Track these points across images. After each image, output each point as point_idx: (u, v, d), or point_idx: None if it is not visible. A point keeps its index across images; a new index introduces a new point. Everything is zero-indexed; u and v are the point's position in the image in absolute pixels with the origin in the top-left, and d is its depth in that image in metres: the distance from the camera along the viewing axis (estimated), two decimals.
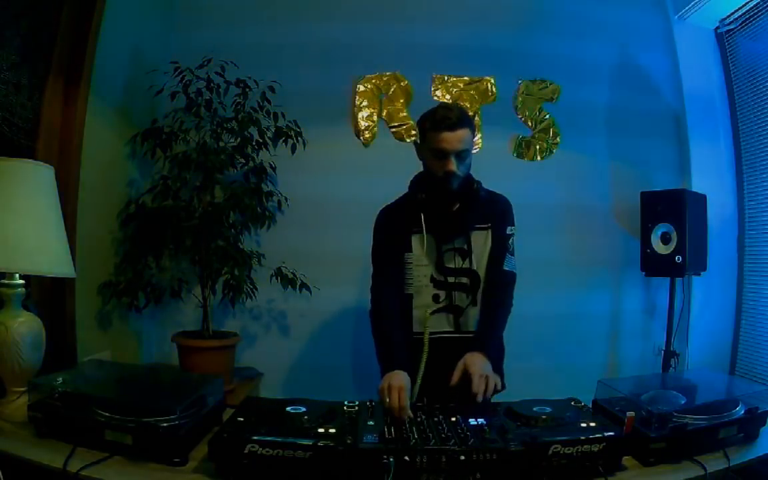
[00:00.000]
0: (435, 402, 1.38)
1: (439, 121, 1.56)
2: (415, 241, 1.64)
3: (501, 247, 1.69)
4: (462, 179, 1.61)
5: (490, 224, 1.68)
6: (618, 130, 2.92)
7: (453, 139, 1.54)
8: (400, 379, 1.35)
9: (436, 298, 1.63)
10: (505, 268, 1.68)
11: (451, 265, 1.63)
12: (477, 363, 1.44)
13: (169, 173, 2.44)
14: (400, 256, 1.65)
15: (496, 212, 1.70)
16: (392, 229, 1.68)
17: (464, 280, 1.64)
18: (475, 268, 1.65)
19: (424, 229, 1.60)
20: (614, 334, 2.90)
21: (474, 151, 2.79)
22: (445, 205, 1.64)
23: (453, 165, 1.55)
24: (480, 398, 1.37)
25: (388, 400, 1.27)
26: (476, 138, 2.86)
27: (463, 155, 1.58)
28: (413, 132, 2.70)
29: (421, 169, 1.70)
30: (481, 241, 1.66)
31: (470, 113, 2.84)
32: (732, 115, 2.90)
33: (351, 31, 2.82)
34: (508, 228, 1.71)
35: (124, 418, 1.13)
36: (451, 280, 1.63)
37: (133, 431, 1.11)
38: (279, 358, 2.75)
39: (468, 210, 1.65)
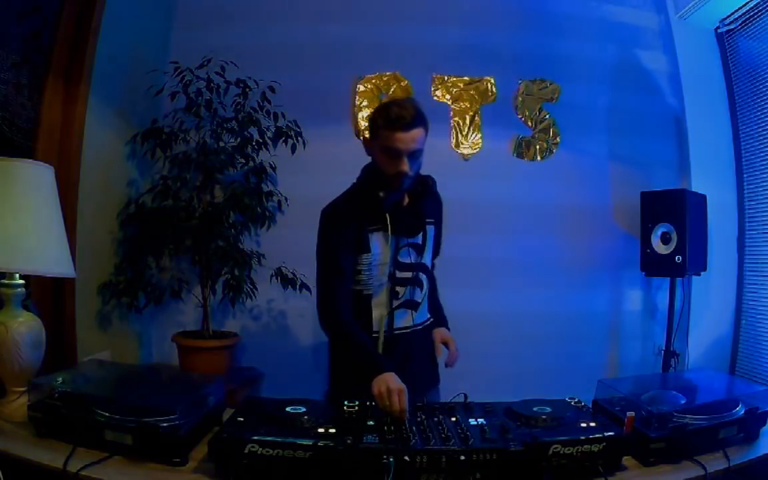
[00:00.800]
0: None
1: (393, 119, 1.48)
2: (374, 239, 1.58)
3: (439, 243, 1.76)
4: (412, 178, 1.56)
5: (434, 219, 1.70)
6: (618, 130, 2.92)
7: (407, 138, 1.48)
8: (397, 381, 1.32)
9: (395, 294, 1.60)
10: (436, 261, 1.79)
11: (407, 261, 1.61)
12: (450, 334, 1.72)
13: (169, 173, 2.44)
14: (355, 254, 1.57)
15: (437, 205, 1.73)
16: (347, 226, 1.58)
17: (418, 274, 1.63)
18: (425, 261, 1.65)
19: (389, 228, 1.55)
20: (614, 334, 2.90)
21: (474, 152, 2.85)
22: (399, 202, 1.61)
23: (406, 165, 1.49)
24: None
25: (388, 403, 1.25)
26: (476, 137, 2.86)
27: (416, 155, 1.52)
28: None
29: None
30: (429, 235, 1.67)
31: (470, 113, 2.85)
32: (732, 115, 2.90)
33: (351, 31, 2.82)
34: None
35: (124, 418, 1.13)
36: (407, 275, 1.61)
37: (133, 431, 1.11)
38: (279, 358, 2.75)
39: (421, 206, 1.63)
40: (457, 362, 1.68)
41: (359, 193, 1.62)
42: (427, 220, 1.66)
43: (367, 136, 1.63)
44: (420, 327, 1.67)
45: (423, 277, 1.65)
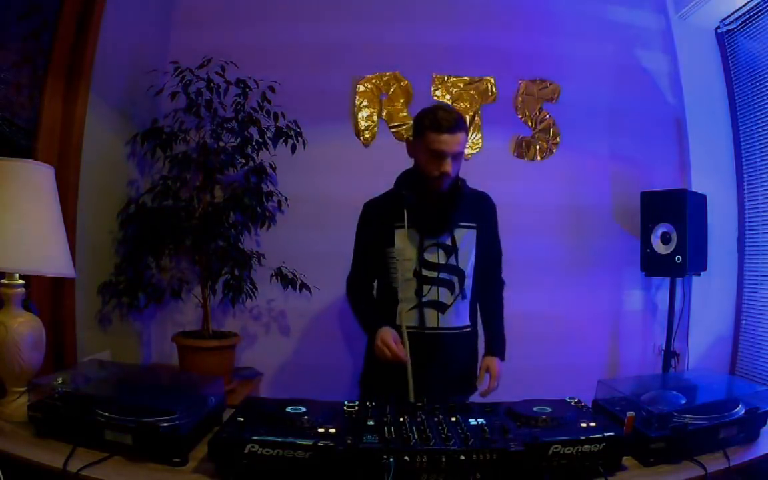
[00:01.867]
0: (428, 398, 1.42)
1: (440, 122, 1.57)
2: (398, 235, 1.65)
3: (496, 254, 1.78)
4: (452, 180, 1.63)
5: (476, 224, 1.70)
6: (618, 130, 2.92)
7: (452, 141, 1.57)
8: (391, 333, 1.55)
9: (419, 292, 1.63)
10: (503, 276, 1.82)
11: (434, 260, 1.64)
12: (498, 368, 1.70)
13: (169, 173, 2.44)
14: (382, 250, 1.66)
15: (482, 212, 1.74)
16: (375, 222, 1.70)
17: (447, 276, 1.64)
18: (459, 265, 1.65)
19: (406, 224, 1.62)
20: (614, 334, 2.90)
21: (474, 151, 2.85)
22: (431, 202, 1.65)
23: (449, 166, 1.57)
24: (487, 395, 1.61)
25: (388, 353, 1.45)
26: (476, 137, 2.86)
27: (458, 157, 1.61)
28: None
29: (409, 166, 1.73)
30: (466, 239, 1.68)
31: (470, 113, 2.85)
32: (732, 115, 2.90)
33: (351, 31, 2.82)
34: (497, 230, 1.78)
35: (124, 418, 1.13)
36: (433, 275, 1.64)
37: (133, 431, 1.11)
38: (279, 358, 2.75)
39: (453, 207, 1.66)
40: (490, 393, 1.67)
41: (391, 192, 1.73)
42: (463, 223, 1.67)
43: (410, 138, 1.70)
44: (449, 331, 1.66)
45: (454, 280, 1.65)
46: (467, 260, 1.67)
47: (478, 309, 1.79)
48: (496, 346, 1.75)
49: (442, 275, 1.64)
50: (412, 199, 1.64)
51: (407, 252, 1.63)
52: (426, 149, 1.59)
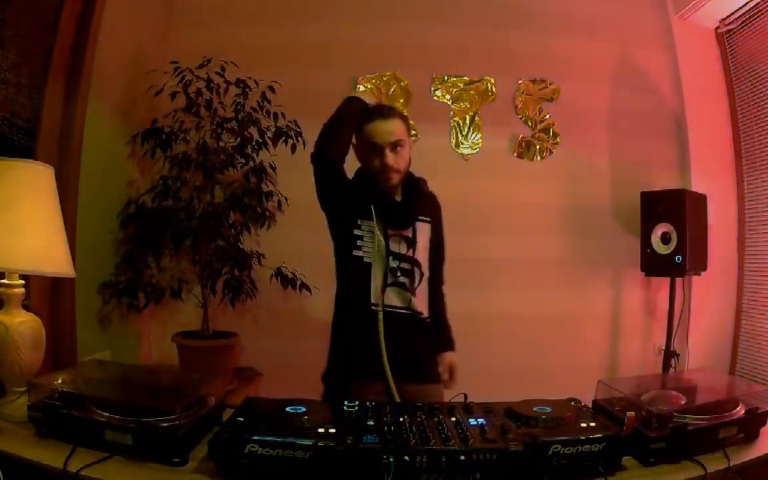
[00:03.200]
0: (397, 373, 1.55)
1: (371, 112, 1.62)
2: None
3: (441, 251, 1.80)
4: (403, 175, 1.64)
5: (430, 218, 1.73)
6: (618, 130, 2.92)
7: (385, 129, 1.59)
8: None
9: (393, 271, 1.63)
10: (443, 275, 1.84)
11: (396, 250, 1.65)
12: (455, 361, 1.77)
13: (169, 173, 2.44)
14: (358, 210, 1.62)
15: (434, 208, 1.77)
16: (362, 188, 1.66)
17: (407, 266, 1.66)
18: (418, 257, 1.67)
19: (374, 217, 1.61)
20: (614, 334, 2.90)
21: (474, 152, 2.84)
22: (385, 196, 1.65)
23: (388, 157, 1.58)
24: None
25: None
26: (476, 137, 2.86)
27: (397, 146, 1.60)
28: (413, 132, 2.70)
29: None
30: (423, 233, 1.70)
31: (470, 113, 2.85)
32: (732, 115, 2.90)
33: (351, 31, 2.82)
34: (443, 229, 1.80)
35: (124, 418, 1.13)
36: (395, 264, 1.64)
37: (133, 431, 1.11)
38: (279, 358, 2.75)
39: (413, 202, 1.68)
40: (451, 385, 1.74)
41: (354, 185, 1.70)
42: (421, 217, 1.69)
43: (354, 142, 1.71)
44: (420, 316, 1.68)
45: (414, 270, 1.67)
46: (424, 253, 1.70)
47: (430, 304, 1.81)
48: (448, 341, 1.82)
49: (403, 264, 1.65)
50: (366, 193, 1.63)
51: (378, 236, 1.63)
52: (365, 147, 1.63)
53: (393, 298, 1.63)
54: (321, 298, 2.64)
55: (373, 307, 1.61)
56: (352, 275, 1.66)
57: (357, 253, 1.63)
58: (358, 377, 1.60)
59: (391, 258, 1.63)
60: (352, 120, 1.68)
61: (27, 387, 1.28)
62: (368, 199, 1.63)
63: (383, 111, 1.62)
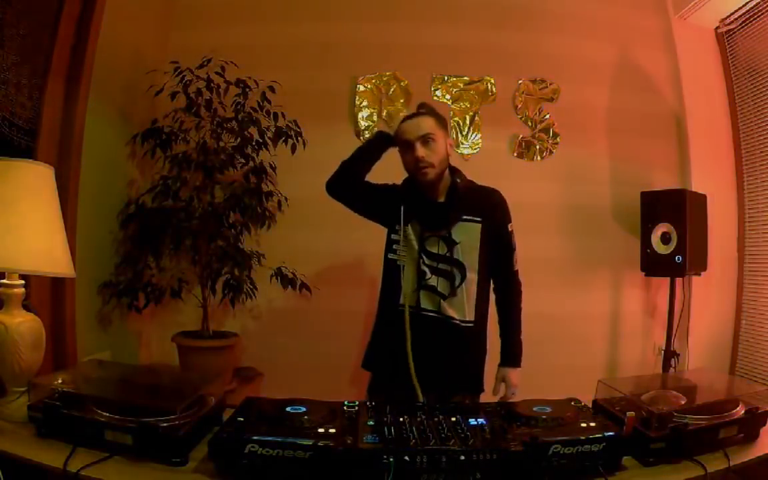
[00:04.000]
0: (428, 387, 1.56)
1: (404, 118, 1.69)
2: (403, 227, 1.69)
3: (507, 247, 1.74)
4: (437, 169, 1.63)
5: (481, 219, 1.68)
6: (618, 130, 2.92)
7: (412, 125, 1.63)
8: None
9: (422, 274, 1.65)
10: (516, 268, 1.79)
11: (434, 250, 1.66)
12: (514, 379, 1.76)
13: (169, 173, 2.44)
14: (394, 215, 1.68)
15: (488, 206, 1.71)
16: (399, 196, 1.71)
17: (447, 267, 1.65)
18: (460, 258, 1.65)
19: (401, 220, 1.65)
20: (614, 334, 2.90)
21: (474, 152, 2.84)
22: (425, 196, 1.68)
23: (418, 150, 1.60)
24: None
25: None
26: (476, 137, 2.86)
27: (427, 140, 1.61)
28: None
29: None
30: (470, 234, 1.67)
31: (470, 113, 2.85)
32: (732, 115, 2.90)
33: (351, 31, 2.82)
34: (509, 225, 1.74)
35: (124, 418, 1.13)
36: (433, 264, 1.65)
37: (133, 431, 1.11)
38: (279, 358, 2.75)
39: (450, 202, 1.67)
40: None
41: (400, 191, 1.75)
42: (465, 216, 1.67)
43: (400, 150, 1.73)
44: (447, 319, 1.65)
45: (455, 272, 1.65)
46: (470, 254, 1.66)
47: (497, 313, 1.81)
48: (508, 355, 1.78)
49: (441, 265, 1.65)
50: (408, 196, 1.68)
51: (412, 239, 1.66)
52: (401, 148, 1.67)
53: (424, 301, 1.65)
54: (321, 298, 2.64)
55: (400, 308, 1.64)
56: (386, 277, 1.73)
57: (392, 256, 1.69)
58: (385, 376, 1.66)
59: (425, 259, 1.64)
60: (371, 152, 1.76)
61: (27, 387, 1.28)
62: (404, 201, 1.67)
63: (413, 113, 1.67)
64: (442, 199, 1.68)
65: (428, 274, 1.64)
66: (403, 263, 1.66)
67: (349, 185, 1.74)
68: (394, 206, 1.68)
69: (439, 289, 1.65)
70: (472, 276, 1.66)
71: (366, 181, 1.75)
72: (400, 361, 1.59)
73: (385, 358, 1.70)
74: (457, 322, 1.66)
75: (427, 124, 1.62)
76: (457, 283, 1.65)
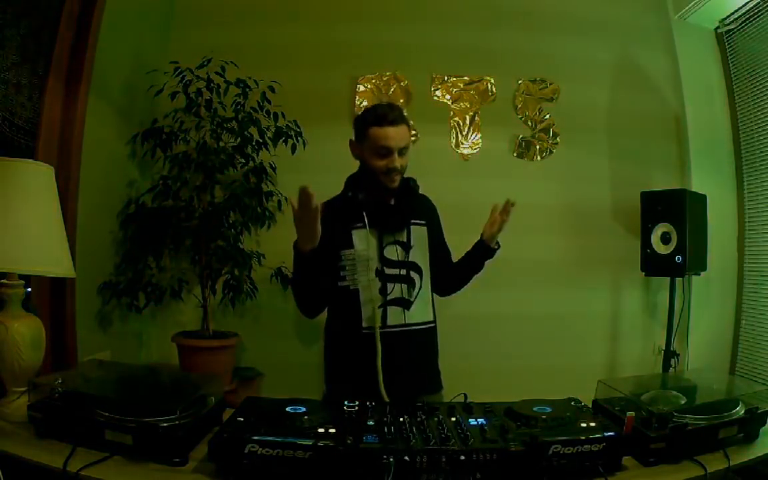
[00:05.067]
0: (396, 397, 1.46)
1: (381, 117, 1.58)
2: (356, 236, 1.62)
3: (445, 247, 1.81)
4: (402, 176, 1.64)
5: (425, 221, 1.72)
6: (618, 130, 2.92)
7: (396, 135, 1.58)
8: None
9: (383, 290, 1.62)
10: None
11: (393, 257, 1.65)
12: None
13: (169, 173, 2.44)
14: (336, 252, 1.62)
15: (429, 210, 1.77)
16: (332, 225, 1.59)
17: (406, 272, 1.65)
18: (417, 261, 1.67)
19: (366, 225, 1.60)
20: (614, 334, 2.90)
21: (474, 152, 2.84)
22: (386, 200, 1.66)
23: (396, 161, 1.58)
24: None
25: (299, 212, 1.43)
26: (476, 137, 2.86)
27: (404, 151, 1.61)
28: (413, 132, 2.70)
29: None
30: (419, 236, 1.69)
31: (470, 113, 2.85)
32: (732, 116, 2.90)
33: (351, 31, 2.82)
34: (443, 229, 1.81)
35: (124, 418, 1.13)
36: (394, 272, 1.64)
37: (133, 431, 1.11)
38: (279, 358, 2.75)
39: (406, 204, 1.67)
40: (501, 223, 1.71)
41: (345, 195, 1.68)
42: (415, 220, 1.69)
43: (352, 139, 1.70)
44: (416, 327, 1.66)
45: (414, 276, 1.66)
46: (423, 256, 1.69)
47: (452, 276, 1.82)
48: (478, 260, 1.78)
49: (402, 271, 1.64)
50: (368, 200, 1.63)
51: (368, 251, 1.61)
52: (371, 146, 1.60)
53: (391, 317, 1.62)
54: None
55: (364, 332, 1.59)
56: (338, 305, 1.66)
57: (342, 283, 1.62)
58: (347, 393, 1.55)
59: (384, 268, 1.62)
60: (306, 273, 1.56)
61: (27, 387, 1.28)
62: (360, 206, 1.62)
63: (393, 117, 1.58)
64: (392, 202, 1.67)
65: (389, 287, 1.62)
66: (357, 286, 1.61)
67: (322, 303, 1.65)
68: (340, 230, 1.62)
69: (404, 296, 1.64)
70: (427, 278, 1.69)
71: (320, 275, 1.57)
72: (366, 380, 1.54)
73: (348, 382, 1.64)
74: (422, 326, 1.67)
75: (407, 134, 1.62)
76: (417, 287, 1.66)
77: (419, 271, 1.67)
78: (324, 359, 1.75)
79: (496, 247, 1.76)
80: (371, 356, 1.55)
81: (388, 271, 1.63)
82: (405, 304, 1.64)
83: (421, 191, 1.72)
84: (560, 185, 2.87)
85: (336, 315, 1.70)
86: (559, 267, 2.84)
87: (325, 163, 2.73)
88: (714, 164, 2.88)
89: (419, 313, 1.66)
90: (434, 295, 1.76)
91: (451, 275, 1.82)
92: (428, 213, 1.76)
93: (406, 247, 1.66)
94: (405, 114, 1.68)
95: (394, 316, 1.63)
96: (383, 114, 1.58)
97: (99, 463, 1.08)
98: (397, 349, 1.61)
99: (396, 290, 1.63)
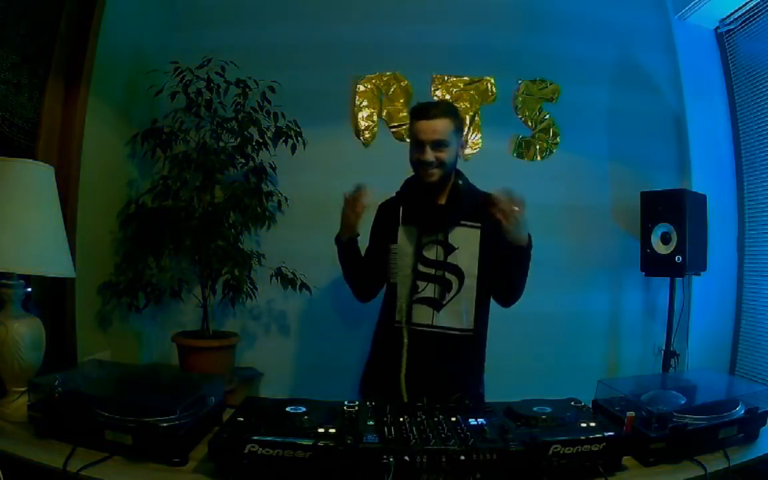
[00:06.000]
0: (419, 395, 1.46)
1: (416, 111, 1.61)
2: (401, 232, 1.67)
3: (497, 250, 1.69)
4: (443, 172, 1.61)
5: (480, 224, 1.65)
6: (618, 130, 2.91)
7: (428, 128, 1.57)
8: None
9: (415, 288, 1.63)
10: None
11: (432, 257, 1.64)
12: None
13: (169, 173, 2.44)
14: (386, 247, 1.68)
15: (488, 212, 1.66)
16: (381, 222, 1.74)
17: (442, 273, 1.62)
18: (458, 264, 1.63)
19: (400, 220, 1.65)
20: (614, 334, 2.90)
21: (474, 152, 2.84)
22: (427, 198, 1.66)
23: (427, 154, 1.57)
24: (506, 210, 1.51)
25: (350, 211, 1.61)
26: (476, 137, 2.85)
27: (440, 145, 1.58)
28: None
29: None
30: (467, 238, 1.64)
31: (470, 113, 2.85)
32: (732, 116, 2.90)
33: (351, 31, 2.82)
34: None
35: (124, 418, 1.13)
36: (429, 271, 1.63)
37: (133, 431, 1.11)
38: (279, 358, 2.75)
39: (449, 204, 1.65)
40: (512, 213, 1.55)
41: (398, 194, 1.75)
42: (465, 221, 1.64)
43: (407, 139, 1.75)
44: (444, 332, 1.62)
45: (452, 278, 1.63)
46: (471, 259, 1.63)
47: (498, 289, 1.71)
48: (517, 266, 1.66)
49: (438, 272, 1.63)
50: (409, 197, 1.68)
51: (407, 248, 1.64)
52: (411, 141, 1.65)
53: (417, 315, 1.62)
54: (321, 298, 2.64)
55: (395, 325, 1.63)
56: (387, 299, 1.74)
57: (389, 277, 1.69)
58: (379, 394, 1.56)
59: (421, 266, 1.62)
60: (350, 260, 1.75)
61: (27, 387, 1.28)
62: (404, 202, 1.67)
63: (429, 111, 1.58)
64: (442, 202, 1.66)
65: (420, 286, 1.62)
66: (395, 280, 1.64)
67: (370, 290, 1.80)
68: (392, 226, 1.67)
69: (435, 296, 1.62)
70: (471, 282, 1.63)
71: (373, 269, 1.73)
72: (392, 380, 1.57)
73: (377, 373, 1.70)
74: (455, 332, 1.63)
75: (442, 128, 1.57)
76: (453, 289, 1.62)
77: (459, 274, 1.63)
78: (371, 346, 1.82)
79: (523, 243, 1.61)
80: (398, 350, 1.59)
81: (423, 269, 1.63)
82: (435, 304, 1.62)
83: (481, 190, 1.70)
84: (560, 185, 2.86)
85: (382, 306, 1.76)
86: (558, 267, 2.83)
87: (325, 163, 2.75)
88: (714, 164, 2.88)
89: (450, 317, 1.62)
90: (488, 303, 1.72)
91: (501, 280, 1.70)
92: (488, 214, 1.59)
93: (447, 247, 1.63)
94: (452, 109, 1.67)
95: (422, 314, 1.62)
96: (419, 108, 1.62)
97: (99, 463, 1.08)
98: (423, 350, 1.60)
99: (428, 290, 1.62)
